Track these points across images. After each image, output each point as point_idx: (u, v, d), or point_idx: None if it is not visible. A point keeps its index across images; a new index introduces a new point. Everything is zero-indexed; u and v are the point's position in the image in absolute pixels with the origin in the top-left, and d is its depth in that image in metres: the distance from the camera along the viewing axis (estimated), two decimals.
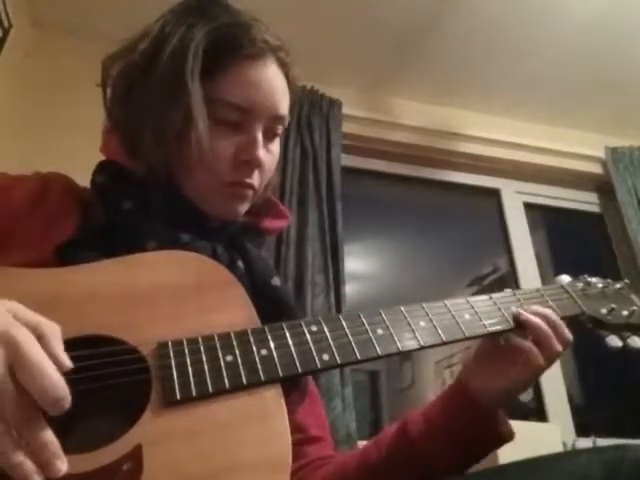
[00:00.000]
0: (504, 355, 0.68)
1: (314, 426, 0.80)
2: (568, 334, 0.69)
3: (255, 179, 0.74)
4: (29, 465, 0.41)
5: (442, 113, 2.59)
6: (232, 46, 0.71)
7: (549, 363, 0.68)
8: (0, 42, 1.79)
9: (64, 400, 0.43)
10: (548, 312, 0.70)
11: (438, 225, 2.72)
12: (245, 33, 0.71)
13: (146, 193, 0.71)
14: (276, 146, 0.77)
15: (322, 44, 2.28)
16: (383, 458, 0.71)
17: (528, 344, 0.67)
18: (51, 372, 0.43)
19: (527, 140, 2.66)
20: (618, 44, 2.36)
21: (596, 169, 2.74)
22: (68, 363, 0.45)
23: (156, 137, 0.70)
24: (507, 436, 0.69)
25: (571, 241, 2.78)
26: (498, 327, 0.67)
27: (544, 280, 2.49)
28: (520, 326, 0.69)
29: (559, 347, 0.67)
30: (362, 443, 1.74)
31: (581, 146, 2.73)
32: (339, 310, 1.95)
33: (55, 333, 0.46)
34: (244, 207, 0.76)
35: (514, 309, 0.69)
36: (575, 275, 0.82)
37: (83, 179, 0.76)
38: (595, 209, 2.82)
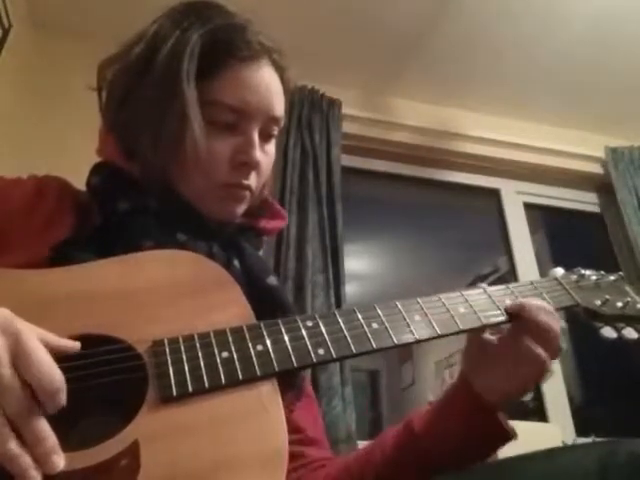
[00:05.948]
0: (503, 353, 0.67)
1: (311, 428, 0.80)
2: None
3: (252, 180, 0.74)
4: (26, 459, 0.42)
5: (442, 113, 2.60)
6: (227, 48, 0.71)
7: (553, 355, 0.65)
8: (0, 42, 1.79)
9: (59, 393, 0.44)
10: (543, 304, 0.67)
11: (438, 225, 2.72)
12: (240, 35, 0.72)
13: (142, 194, 0.71)
14: (272, 147, 0.78)
15: (322, 44, 2.29)
16: (388, 457, 0.69)
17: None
18: (49, 363, 0.44)
19: (527, 140, 2.66)
20: (618, 44, 2.36)
21: (596, 169, 2.74)
22: (76, 345, 0.50)
23: (153, 139, 0.70)
24: (512, 434, 0.67)
25: (571, 241, 2.78)
26: (493, 320, 0.67)
27: None
28: (514, 318, 0.67)
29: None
30: (362, 443, 1.74)
31: (581, 146, 2.73)
32: None
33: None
34: (241, 208, 0.76)
35: (508, 302, 0.69)
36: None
37: (83, 179, 0.76)
38: (595, 209, 2.82)
